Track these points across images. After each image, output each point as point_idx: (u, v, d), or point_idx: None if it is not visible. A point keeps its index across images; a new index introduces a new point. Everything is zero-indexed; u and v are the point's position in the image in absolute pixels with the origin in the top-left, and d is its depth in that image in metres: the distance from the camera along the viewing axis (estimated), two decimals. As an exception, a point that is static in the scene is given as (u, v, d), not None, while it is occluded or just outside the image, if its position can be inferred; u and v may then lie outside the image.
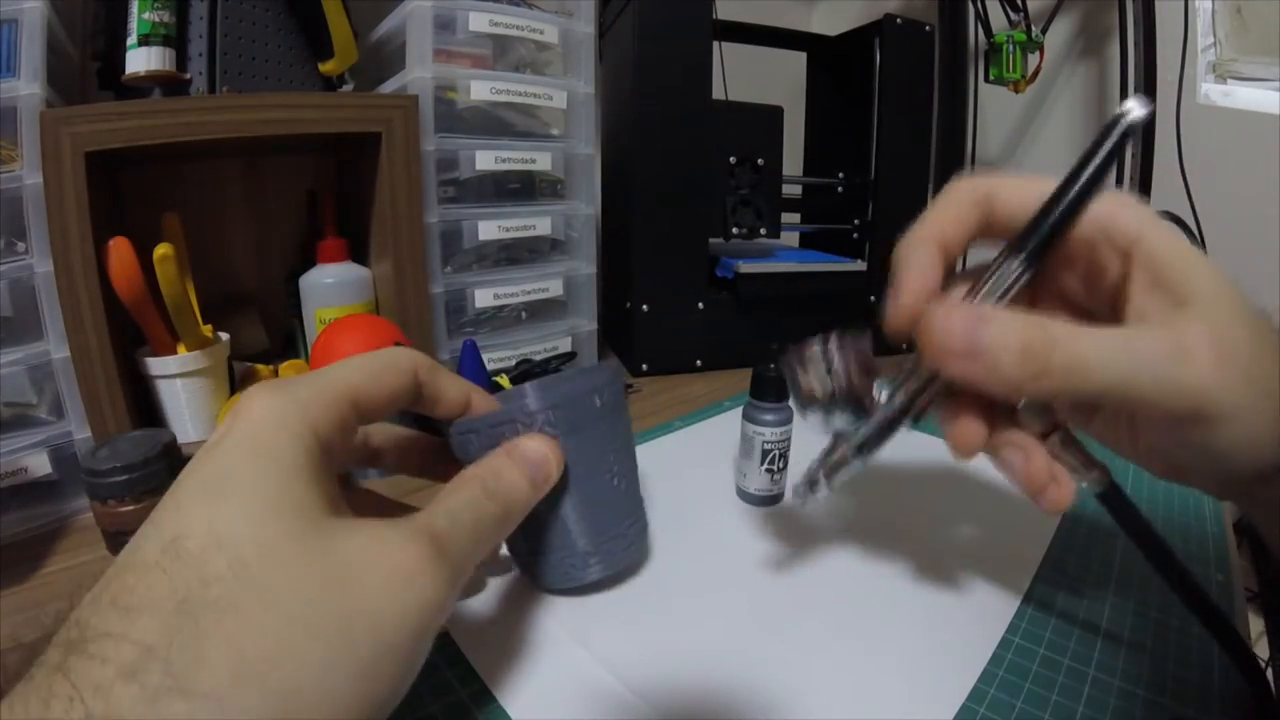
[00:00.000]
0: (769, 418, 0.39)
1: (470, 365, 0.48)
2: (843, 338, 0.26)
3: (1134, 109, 0.20)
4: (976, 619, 0.31)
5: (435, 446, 0.30)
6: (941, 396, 0.25)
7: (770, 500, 0.41)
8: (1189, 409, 0.19)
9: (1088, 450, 0.25)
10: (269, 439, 0.19)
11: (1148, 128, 0.74)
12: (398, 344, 0.46)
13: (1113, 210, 0.22)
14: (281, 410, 0.20)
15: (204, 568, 0.16)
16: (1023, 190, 0.23)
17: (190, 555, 0.16)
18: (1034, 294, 0.25)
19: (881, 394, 0.25)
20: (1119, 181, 0.76)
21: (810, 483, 0.28)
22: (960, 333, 0.20)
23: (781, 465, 0.40)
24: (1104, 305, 0.23)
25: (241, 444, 0.19)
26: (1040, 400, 0.24)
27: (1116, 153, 0.21)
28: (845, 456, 0.26)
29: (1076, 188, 0.21)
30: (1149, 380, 0.19)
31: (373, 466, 0.29)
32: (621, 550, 0.32)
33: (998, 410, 0.24)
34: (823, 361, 0.26)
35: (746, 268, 0.66)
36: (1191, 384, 0.19)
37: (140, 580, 0.16)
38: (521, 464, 0.26)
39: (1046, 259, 0.22)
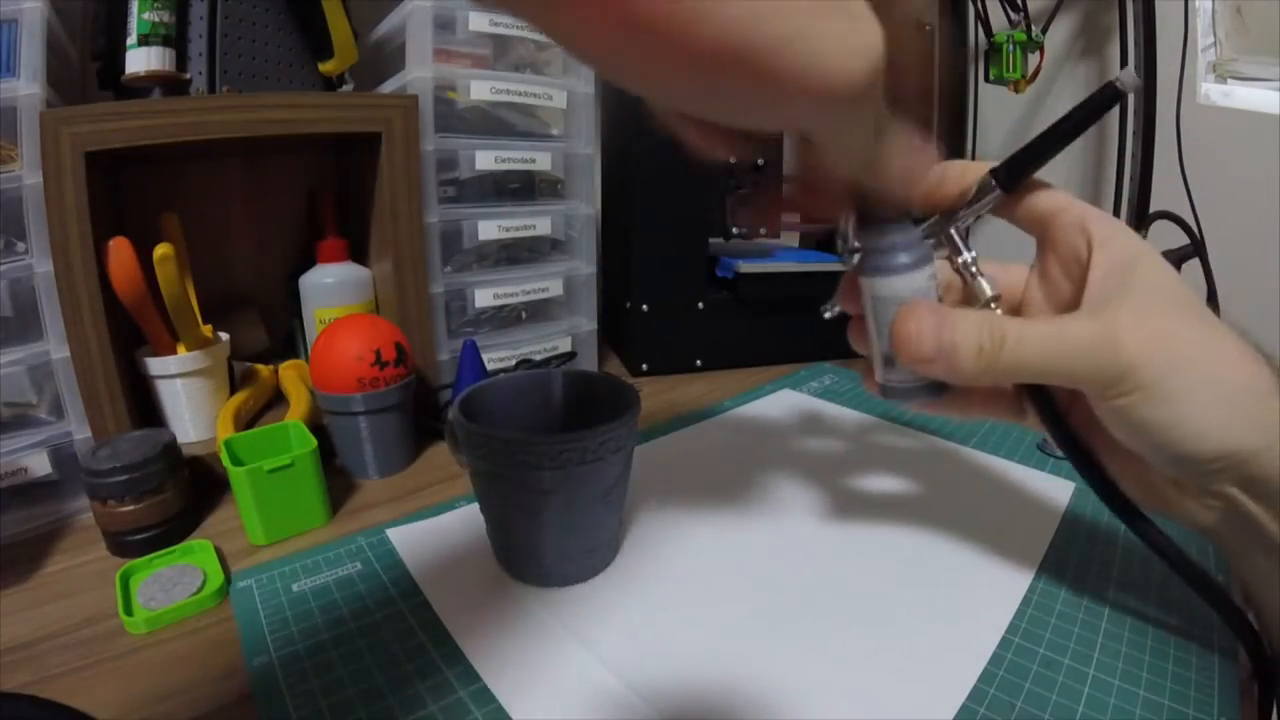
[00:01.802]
0: (903, 258, 0.26)
1: (470, 365, 0.48)
2: None
3: (1126, 81, 0.24)
4: (976, 619, 0.31)
5: None
6: None
7: (916, 392, 0.28)
8: (1109, 377, 0.23)
9: None
10: None
11: (1148, 128, 0.74)
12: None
13: (1087, 210, 0.26)
14: None
15: None
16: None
17: None
18: (1035, 278, 0.29)
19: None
20: (1119, 179, 0.76)
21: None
22: (929, 340, 0.24)
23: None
24: (1077, 286, 0.26)
25: None
26: (990, 384, 0.28)
27: (1097, 112, 0.25)
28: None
29: (1051, 136, 0.26)
30: (1079, 362, 0.23)
31: None
32: (590, 568, 0.34)
33: None
34: None
35: (746, 268, 0.66)
36: (1111, 359, 0.23)
37: None
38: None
39: (1018, 190, 0.27)
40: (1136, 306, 0.23)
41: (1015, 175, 0.26)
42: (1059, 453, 0.46)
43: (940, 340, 0.24)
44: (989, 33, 0.78)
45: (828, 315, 0.32)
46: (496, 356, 0.58)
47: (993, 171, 0.27)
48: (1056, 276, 0.28)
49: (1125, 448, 0.25)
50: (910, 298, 0.26)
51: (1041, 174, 0.27)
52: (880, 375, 0.29)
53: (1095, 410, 0.25)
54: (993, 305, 0.27)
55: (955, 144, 0.79)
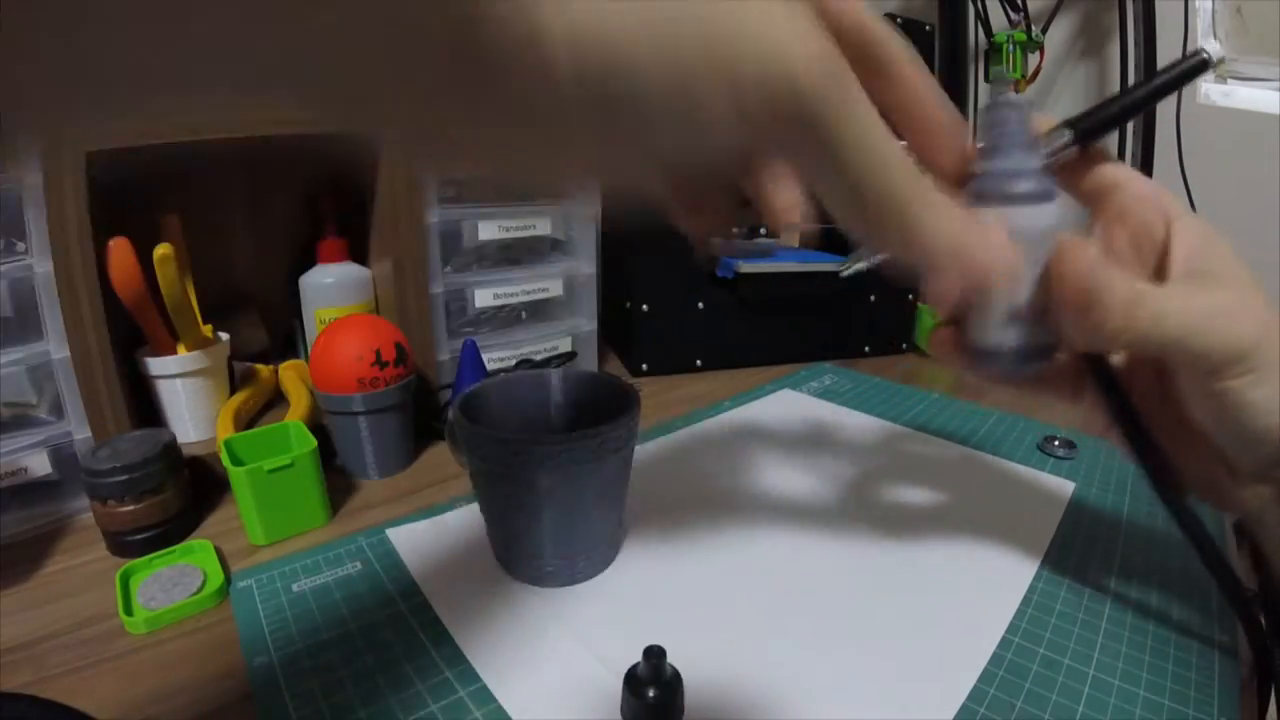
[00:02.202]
0: (1047, 184, 0.23)
1: (470, 365, 0.48)
2: None
3: (1212, 52, 0.24)
4: (976, 619, 0.31)
5: None
6: None
7: (1023, 356, 0.24)
8: (1234, 353, 0.22)
9: None
10: None
11: (1148, 128, 0.74)
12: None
13: (1160, 190, 0.25)
14: None
15: None
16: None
17: None
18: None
19: None
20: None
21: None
22: (1092, 277, 0.22)
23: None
24: (1145, 263, 0.26)
25: None
26: (1117, 348, 0.26)
27: (1180, 80, 0.24)
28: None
29: (1136, 95, 0.25)
30: (1208, 334, 0.22)
31: None
32: (590, 568, 0.34)
33: None
34: None
35: (746, 268, 0.66)
36: (1236, 335, 0.22)
37: None
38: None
39: (1091, 146, 0.25)
40: (1238, 286, 0.23)
41: (1093, 131, 0.25)
42: (1059, 453, 0.46)
43: (1099, 281, 0.22)
44: (989, 33, 0.78)
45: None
46: (496, 356, 0.58)
47: (1069, 122, 0.25)
48: (1123, 250, 0.26)
49: (1180, 437, 0.25)
50: (1054, 233, 0.22)
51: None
52: (990, 333, 0.24)
53: (1189, 390, 0.24)
54: None
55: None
